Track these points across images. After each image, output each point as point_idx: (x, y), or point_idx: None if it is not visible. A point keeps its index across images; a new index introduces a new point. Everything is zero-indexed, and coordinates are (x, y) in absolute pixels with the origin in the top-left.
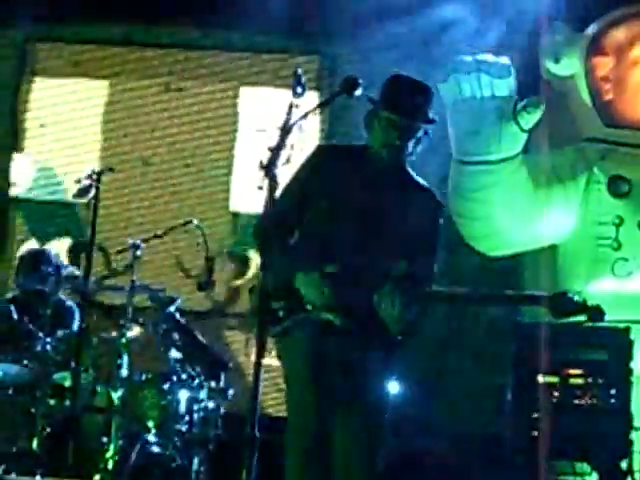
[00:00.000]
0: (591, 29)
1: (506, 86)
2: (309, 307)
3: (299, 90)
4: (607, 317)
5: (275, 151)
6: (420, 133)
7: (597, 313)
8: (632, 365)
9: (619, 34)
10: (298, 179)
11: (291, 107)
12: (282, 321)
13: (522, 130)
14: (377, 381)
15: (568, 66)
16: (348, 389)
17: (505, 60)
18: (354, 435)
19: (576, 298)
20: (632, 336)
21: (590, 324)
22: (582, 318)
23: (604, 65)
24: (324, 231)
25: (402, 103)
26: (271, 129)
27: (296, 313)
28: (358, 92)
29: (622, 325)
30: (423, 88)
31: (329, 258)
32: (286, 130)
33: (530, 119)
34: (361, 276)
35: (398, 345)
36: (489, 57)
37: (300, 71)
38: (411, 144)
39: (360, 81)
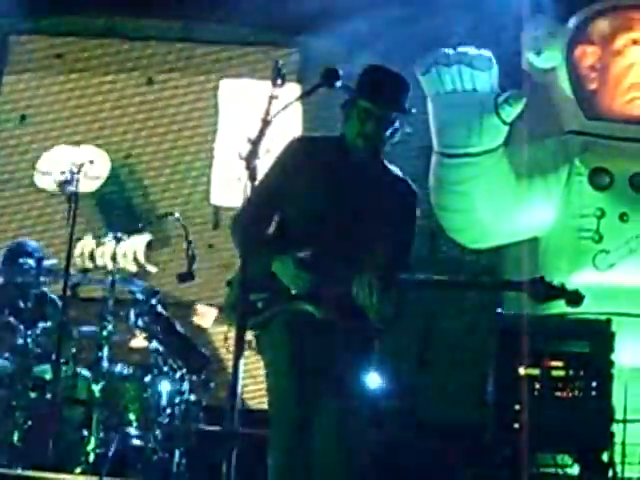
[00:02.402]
0: (572, 21)
1: (487, 79)
2: (288, 298)
3: (279, 82)
4: (589, 309)
5: (255, 143)
6: (396, 124)
7: (575, 297)
8: (613, 357)
9: (604, 24)
10: (274, 172)
11: (271, 98)
12: (261, 313)
13: (503, 122)
14: (357, 370)
15: (550, 58)
16: (329, 378)
17: (486, 53)
18: (333, 422)
19: (554, 282)
20: (613, 328)
21: (572, 315)
22: (561, 302)
23: (591, 54)
24: (301, 223)
25: (379, 93)
26: (251, 121)
27: (275, 305)
28: (338, 83)
29: (603, 317)
30: (400, 79)
31: (306, 247)
32: (266, 122)
33: (511, 111)
34: (338, 266)
35: (377, 334)
36: (470, 50)
37: (280, 62)
38: (387, 135)
39: (340, 72)
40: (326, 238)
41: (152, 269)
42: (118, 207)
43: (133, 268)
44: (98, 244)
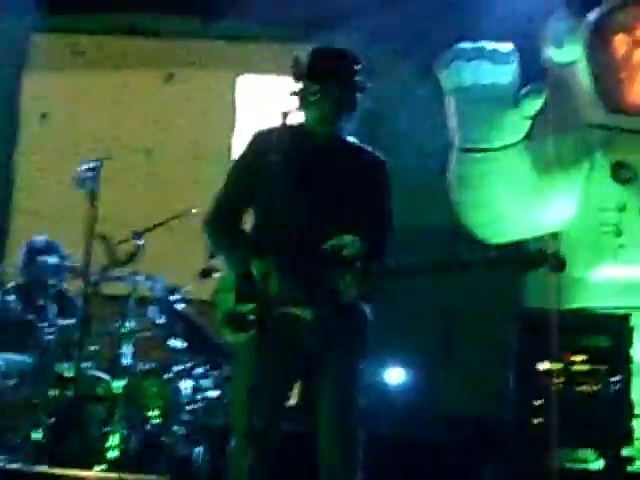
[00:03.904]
0: (593, 15)
1: (507, 73)
2: (276, 305)
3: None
4: (609, 303)
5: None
6: (351, 101)
7: (557, 262)
8: (632, 352)
9: (627, 15)
10: (239, 169)
11: (293, 93)
12: (252, 326)
13: (524, 117)
14: (350, 365)
15: (570, 52)
16: (324, 378)
17: (507, 47)
18: (332, 422)
19: (533, 250)
20: (632, 323)
21: (593, 310)
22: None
23: (623, 43)
24: (273, 218)
25: (330, 74)
26: (269, 117)
27: (265, 314)
28: (355, 79)
29: (623, 312)
30: (350, 58)
31: (281, 246)
32: (286, 115)
33: (532, 106)
34: (317, 260)
35: (365, 325)
36: (490, 44)
37: (300, 56)
38: (345, 114)
39: (361, 59)
40: (300, 231)
41: None
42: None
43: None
44: (125, 240)
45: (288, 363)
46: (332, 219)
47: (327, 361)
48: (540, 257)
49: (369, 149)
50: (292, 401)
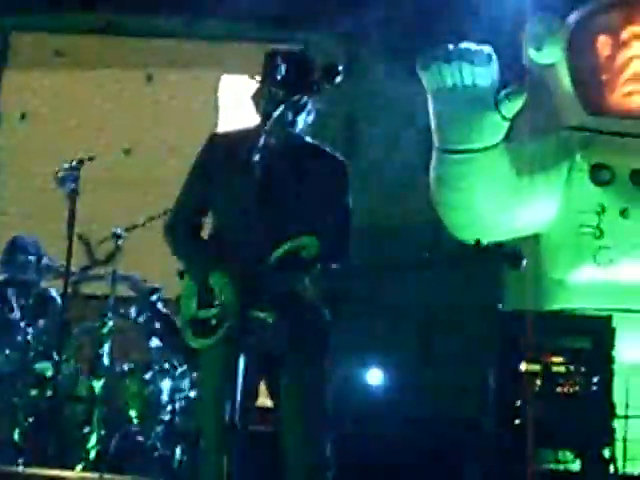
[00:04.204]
0: (573, 17)
1: (488, 74)
2: (238, 310)
3: (281, 71)
4: (589, 305)
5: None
6: (308, 104)
7: (515, 258)
8: (614, 353)
9: (612, 17)
10: (195, 174)
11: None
12: (215, 332)
13: (504, 118)
14: (312, 364)
15: (550, 54)
16: (285, 377)
17: (487, 48)
18: (294, 420)
19: (491, 247)
20: (614, 324)
21: (573, 311)
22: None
23: (606, 45)
24: (229, 224)
25: (281, 78)
26: (251, 117)
27: (227, 320)
28: (338, 79)
29: (604, 313)
30: (300, 61)
31: (239, 249)
32: (267, 116)
33: (512, 107)
34: (275, 262)
35: (325, 326)
36: (471, 46)
37: (281, 51)
38: (300, 117)
39: (340, 68)
40: (258, 233)
41: None
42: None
43: None
44: (104, 240)
45: (252, 365)
46: (290, 220)
47: (289, 361)
48: (499, 253)
49: (327, 150)
50: (260, 401)
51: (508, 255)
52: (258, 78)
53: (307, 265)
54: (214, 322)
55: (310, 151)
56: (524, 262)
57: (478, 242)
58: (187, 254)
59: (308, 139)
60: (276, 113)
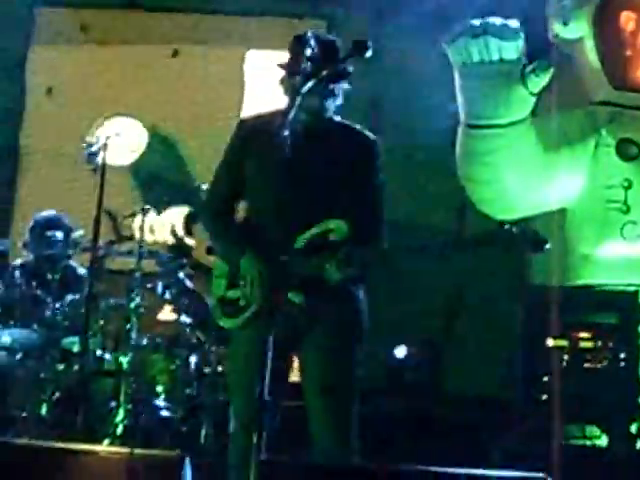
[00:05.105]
0: None
1: (514, 49)
2: (268, 291)
3: (308, 52)
4: (616, 280)
5: (285, 114)
6: (335, 86)
7: (538, 243)
8: None
9: None
10: (229, 158)
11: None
12: (243, 312)
13: (530, 93)
14: (340, 343)
15: (576, 29)
16: (312, 353)
17: (513, 23)
18: (323, 397)
19: (514, 230)
20: None
21: (600, 286)
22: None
23: (632, 20)
24: (263, 206)
25: (299, 66)
26: (277, 92)
27: (257, 300)
28: (368, 54)
29: (631, 288)
30: (326, 44)
31: (271, 232)
32: (296, 93)
33: (538, 82)
34: (305, 245)
35: (355, 307)
36: (497, 20)
37: (310, 33)
38: (328, 101)
39: (369, 43)
40: (289, 215)
41: (191, 242)
42: (153, 180)
43: (170, 241)
44: (131, 215)
45: (282, 344)
46: (321, 202)
47: (317, 340)
48: (521, 237)
49: (358, 128)
50: (292, 378)
51: (531, 240)
52: (286, 61)
53: (335, 248)
54: (243, 302)
55: (340, 131)
56: (547, 246)
57: (502, 224)
58: (220, 235)
59: (338, 119)
60: (301, 99)
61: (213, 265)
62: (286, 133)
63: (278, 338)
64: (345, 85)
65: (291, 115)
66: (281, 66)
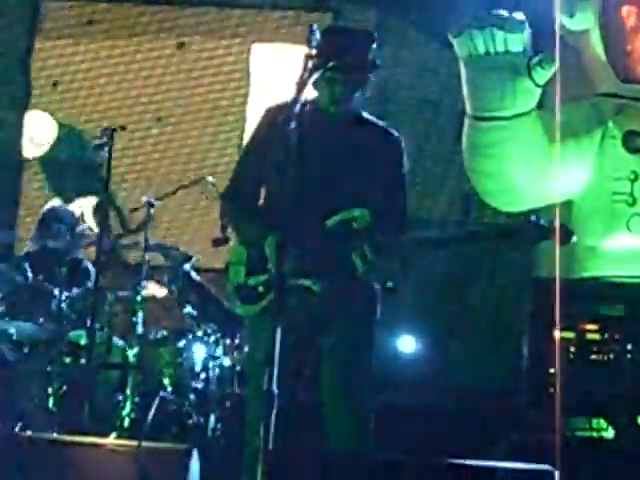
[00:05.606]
0: None
1: (520, 41)
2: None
3: (314, 44)
4: (623, 272)
5: (291, 106)
6: (365, 79)
7: (565, 234)
8: None
9: None
10: (254, 145)
11: (307, 61)
12: (262, 298)
13: (536, 85)
14: (355, 334)
15: (582, 21)
16: (328, 344)
17: (519, 15)
18: (339, 386)
19: (541, 222)
20: None
21: (606, 278)
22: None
23: (634, 14)
24: (283, 192)
25: (340, 58)
26: (283, 85)
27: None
28: (374, 46)
29: (637, 280)
30: (358, 37)
31: (292, 219)
32: (302, 85)
33: (544, 74)
34: (327, 233)
35: (373, 298)
36: (503, 12)
37: (315, 26)
38: (358, 94)
39: (375, 36)
40: (311, 205)
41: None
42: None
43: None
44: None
45: (299, 332)
46: (342, 193)
47: (335, 328)
48: (547, 229)
49: (382, 124)
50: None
51: (561, 232)
52: (313, 52)
53: (358, 236)
54: (262, 289)
55: (366, 126)
56: (574, 238)
57: (528, 219)
58: (241, 218)
59: (364, 114)
60: (338, 94)
61: (231, 252)
62: (311, 124)
63: (295, 326)
64: (371, 77)
65: (316, 105)
66: (308, 57)
